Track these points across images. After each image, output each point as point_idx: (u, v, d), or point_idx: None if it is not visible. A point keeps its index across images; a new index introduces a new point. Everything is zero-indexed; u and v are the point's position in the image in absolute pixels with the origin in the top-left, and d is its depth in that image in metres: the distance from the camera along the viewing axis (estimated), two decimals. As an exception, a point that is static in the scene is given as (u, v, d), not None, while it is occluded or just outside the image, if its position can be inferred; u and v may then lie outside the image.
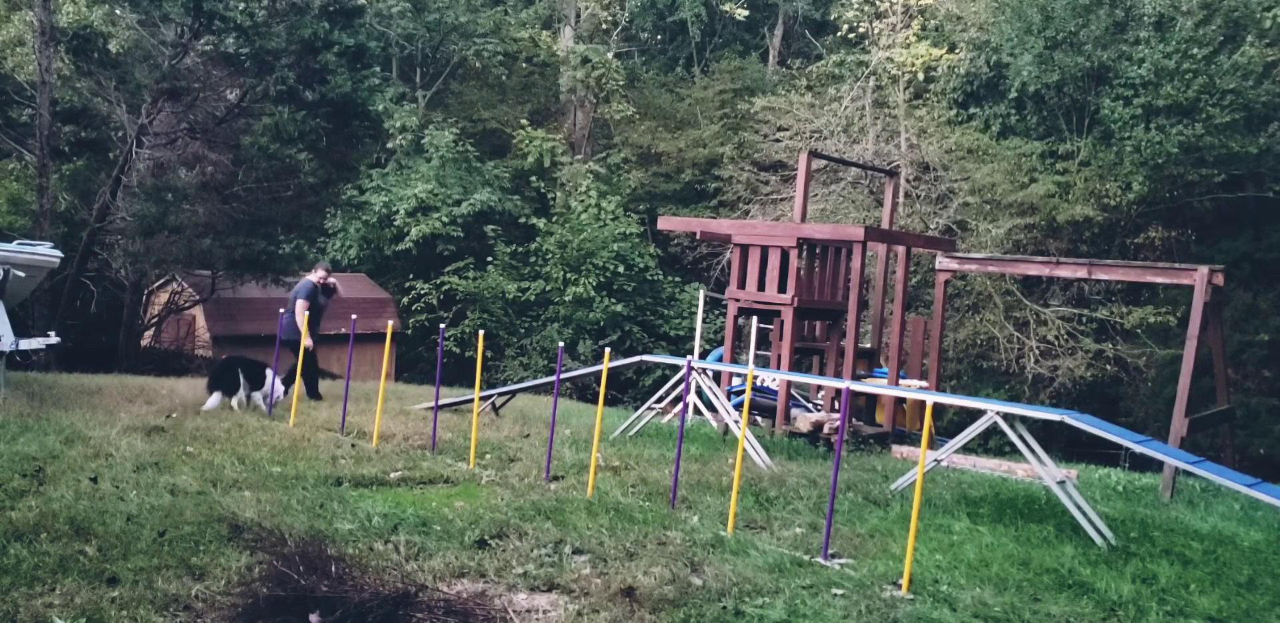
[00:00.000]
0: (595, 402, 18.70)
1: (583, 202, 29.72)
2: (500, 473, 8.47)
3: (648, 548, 6.35)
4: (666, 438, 10.76)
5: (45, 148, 19.60)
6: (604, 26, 35.15)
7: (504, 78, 34.12)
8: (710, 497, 7.93)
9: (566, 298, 27.78)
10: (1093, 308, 24.82)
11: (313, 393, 11.93)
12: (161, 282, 24.00)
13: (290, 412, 10.24)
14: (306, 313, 11.58)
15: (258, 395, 10.87)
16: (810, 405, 13.53)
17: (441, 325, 10.71)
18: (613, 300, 27.79)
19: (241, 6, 19.94)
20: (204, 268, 21.73)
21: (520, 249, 29.32)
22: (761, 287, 12.27)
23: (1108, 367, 23.81)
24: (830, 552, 6.50)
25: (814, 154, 14.73)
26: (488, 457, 9.08)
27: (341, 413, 10.07)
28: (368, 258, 29.21)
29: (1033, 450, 7.82)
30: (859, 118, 28.15)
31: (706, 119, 33.65)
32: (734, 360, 13.73)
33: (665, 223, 15.82)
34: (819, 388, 13.75)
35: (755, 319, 14.40)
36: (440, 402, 10.61)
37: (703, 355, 16.94)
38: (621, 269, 28.23)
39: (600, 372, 9.75)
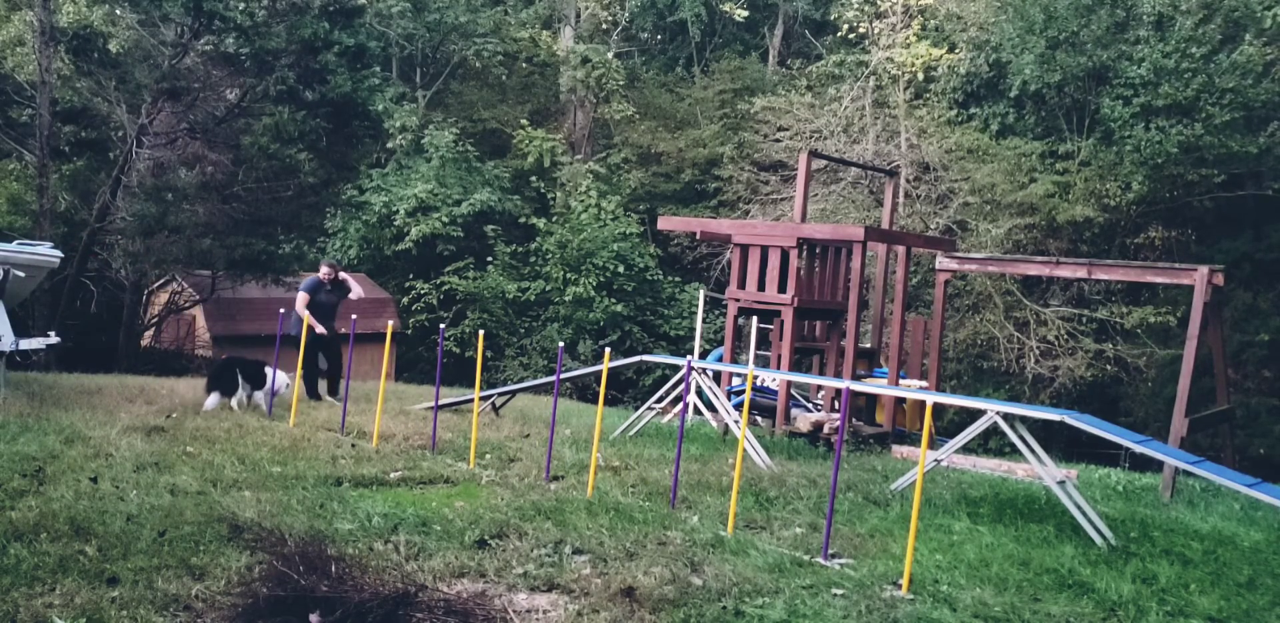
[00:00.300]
0: (595, 402, 18.70)
1: (583, 202, 29.72)
2: (500, 473, 8.47)
3: (648, 548, 6.35)
4: (666, 438, 10.75)
5: (45, 148, 19.60)
6: (604, 26, 35.15)
7: (504, 78, 34.13)
8: (710, 497, 7.93)
9: (566, 298, 27.79)
10: (1093, 308, 24.82)
11: (312, 393, 11.95)
12: (161, 282, 24.00)
13: (290, 412, 10.24)
14: (306, 309, 11.61)
15: (259, 395, 10.88)
16: (810, 405, 13.53)
17: (441, 325, 10.71)
18: (613, 300, 27.79)
19: (241, 6, 19.94)
20: (204, 268, 21.73)
21: (520, 249, 29.33)
22: (761, 287, 12.27)
23: (1108, 367, 23.81)
24: (830, 552, 6.50)
25: (814, 154, 14.73)
26: (488, 457, 9.08)
27: (342, 413, 10.07)
28: (368, 258, 29.22)
29: (1033, 450, 7.82)
30: (859, 118, 28.14)
31: (706, 119, 33.65)
32: (734, 360, 13.73)
33: (665, 223, 15.82)
34: (819, 388, 13.75)
35: (755, 319, 14.40)
36: (440, 402, 10.61)
37: (703, 355, 16.94)
38: (621, 269, 28.23)
39: (600, 372, 9.75)
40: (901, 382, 14.22)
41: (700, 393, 11.42)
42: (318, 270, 12.41)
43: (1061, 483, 7.72)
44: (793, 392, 12.82)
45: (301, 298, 11.73)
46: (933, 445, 8.93)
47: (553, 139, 31.81)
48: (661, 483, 8.18)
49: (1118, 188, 24.16)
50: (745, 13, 35.62)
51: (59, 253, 11.42)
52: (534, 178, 30.76)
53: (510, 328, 28.53)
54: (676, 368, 12.24)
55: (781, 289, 12.08)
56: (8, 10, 26.13)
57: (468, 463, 8.70)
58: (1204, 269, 11.28)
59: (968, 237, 24.89)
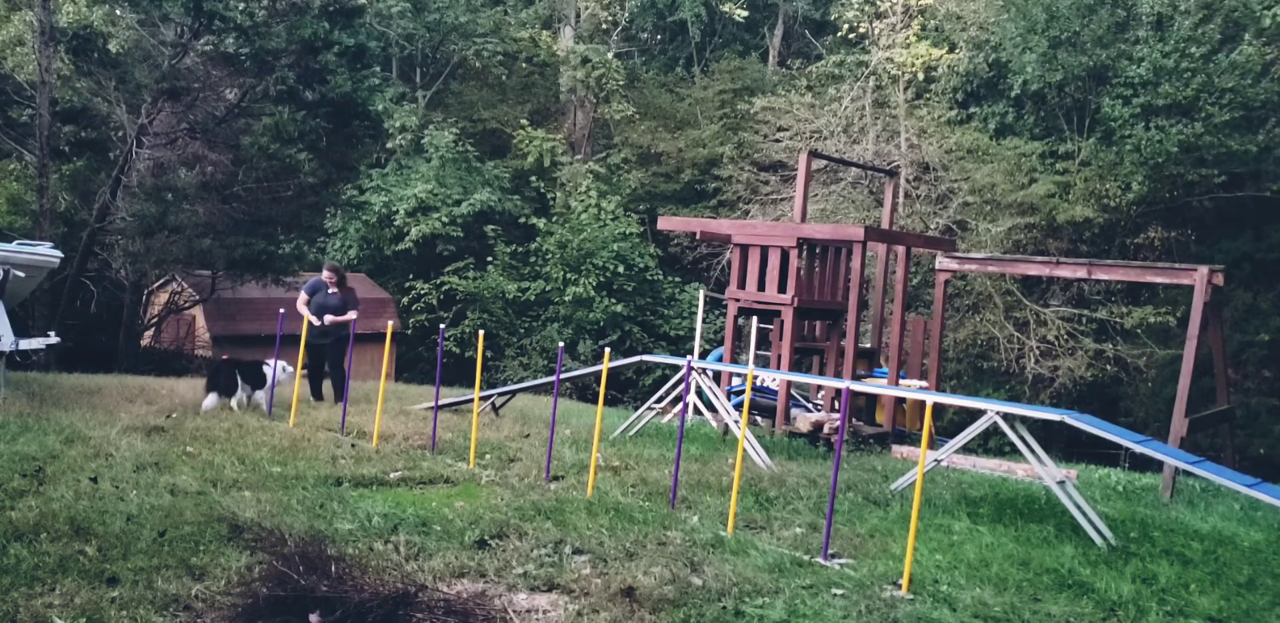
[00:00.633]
0: (595, 402, 18.70)
1: (583, 202, 29.73)
2: (500, 473, 8.47)
3: (648, 548, 6.34)
4: (666, 438, 10.75)
5: (45, 148, 19.60)
6: (604, 26, 35.15)
7: (504, 78, 34.13)
8: (710, 497, 7.93)
9: (566, 298, 27.79)
10: (1093, 308, 24.82)
11: (316, 393, 11.97)
12: (161, 282, 23.99)
13: (290, 412, 10.24)
14: (307, 309, 11.66)
15: (259, 395, 10.87)
16: (810, 405, 13.53)
17: (441, 325, 10.71)
18: (613, 300, 27.80)
19: (241, 6, 19.93)
20: (204, 268, 21.73)
21: (520, 249, 29.33)
22: (761, 287, 12.27)
23: (1108, 367, 23.81)
24: (830, 552, 6.50)
25: (814, 154, 14.73)
26: (488, 457, 9.08)
27: (342, 413, 10.07)
28: (368, 258, 29.22)
29: (1033, 450, 7.82)
30: (859, 118, 28.14)
31: (706, 119, 33.65)
32: (734, 360, 13.73)
33: (665, 223, 15.82)
34: (819, 388, 13.75)
35: (755, 319, 14.40)
36: (440, 402, 10.61)
37: (703, 355, 16.94)
38: (621, 269, 28.23)
39: (600, 372, 9.75)
40: (901, 382, 14.22)
41: (700, 393, 11.42)
42: (319, 271, 12.51)
43: (1061, 483, 7.72)
44: (793, 392, 12.82)
45: (301, 297, 11.83)
46: (933, 445, 8.93)
47: (553, 139, 31.82)
48: (661, 483, 8.18)
49: (1118, 188, 24.16)
50: (745, 13, 35.61)
51: (59, 253, 11.42)
52: (534, 178, 30.76)
53: (510, 328, 28.54)
54: (676, 368, 12.24)
55: (781, 289, 12.08)
56: (8, 10, 26.13)
57: (468, 463, 8.70)
58: (1204, 269, 11.28)
59: (968, 236, 24.90)
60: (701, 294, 17.58)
